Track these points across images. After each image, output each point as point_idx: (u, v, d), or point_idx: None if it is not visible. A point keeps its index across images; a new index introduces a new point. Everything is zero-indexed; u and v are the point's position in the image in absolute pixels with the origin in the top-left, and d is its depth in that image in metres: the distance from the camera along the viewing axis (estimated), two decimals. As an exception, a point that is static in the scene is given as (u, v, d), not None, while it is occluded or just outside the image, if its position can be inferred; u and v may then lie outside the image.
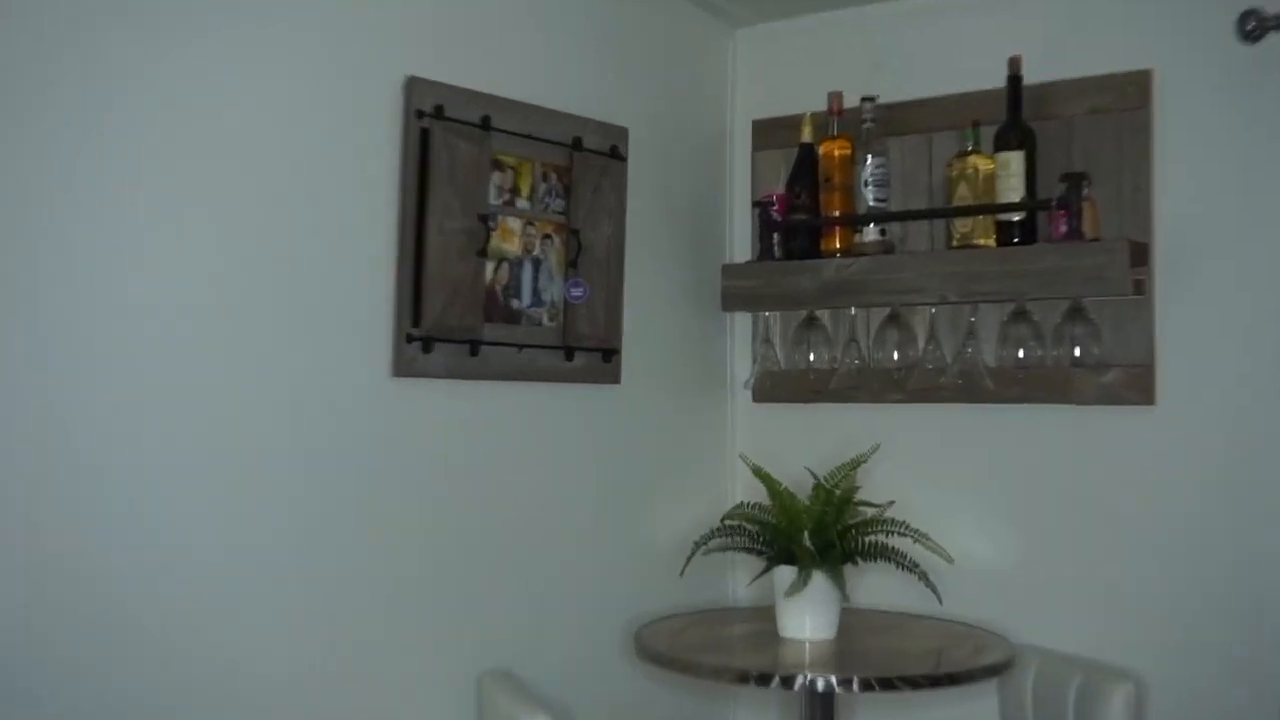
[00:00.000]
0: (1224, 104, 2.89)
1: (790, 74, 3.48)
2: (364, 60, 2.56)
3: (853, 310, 3.26)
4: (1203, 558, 2.89)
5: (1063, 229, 2.88)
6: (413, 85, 2.64)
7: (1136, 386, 2.95)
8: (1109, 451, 3.01)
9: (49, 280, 2.05)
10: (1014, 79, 3.01)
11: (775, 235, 3.29)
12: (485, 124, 2.77)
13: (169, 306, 2.20)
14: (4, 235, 1.99)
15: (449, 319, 2.69)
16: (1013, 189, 2.97)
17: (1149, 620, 2.94)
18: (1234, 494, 2.87)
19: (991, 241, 3.01)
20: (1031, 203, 2.96)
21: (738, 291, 3.30)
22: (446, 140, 2.68)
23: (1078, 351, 2.96)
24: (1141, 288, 2.92)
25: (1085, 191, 2.89)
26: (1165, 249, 2.95)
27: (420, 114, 2.64)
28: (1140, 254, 2.88)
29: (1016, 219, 2.98)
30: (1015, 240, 2.98)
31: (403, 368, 2.62)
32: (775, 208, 3.29)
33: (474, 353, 2.75)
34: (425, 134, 2.65)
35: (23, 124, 2.01)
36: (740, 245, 3.52)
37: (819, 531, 2.78)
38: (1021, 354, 3.02)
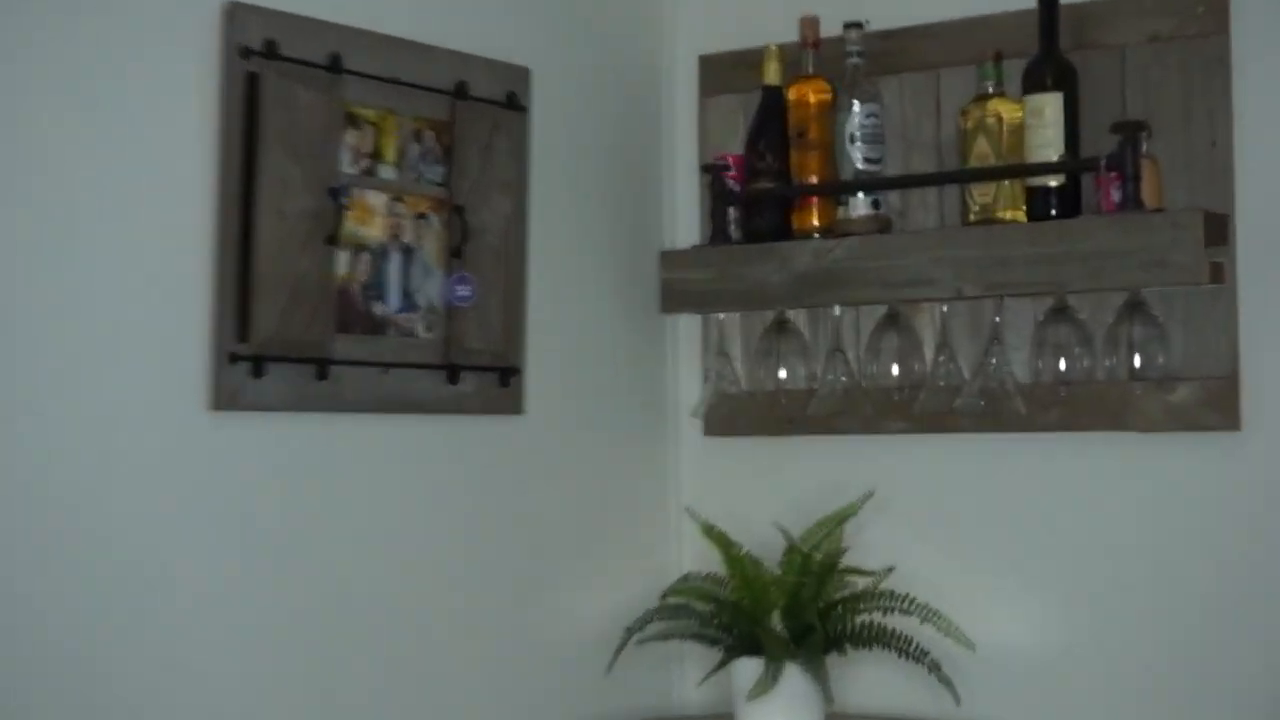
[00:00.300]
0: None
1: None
2: None
3: (837, 310, 3.27)
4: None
5: (1115, 197, 2.90)
6: (234, 13, 2.66)
7: (1217, 406, 2.97)
8: (1182, 496, 3.02)
9: None
10: (1048, -5, 3.01)
11: (732, 210, 3.31)
12: (335, 65, 2.80)
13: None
14: None
15: (289, 331, 2.71)
16: (1048, 144, 2.99)
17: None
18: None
19: (1021, 215, 3.04)
20: (1074, 163, 2.98)
21: (682, 287, 3.32)
22: (282, 88, 2.71)
23: (1138, 361, 2.98)
24: (1221, 274, 2.92)
25: (1144, 147, 2.91)
26: (1252, 223, 2.96)
27: (246, 52, 2.67)
28: (1219, 230, 2.90)
29: (1054, 184, 3.01)
30: (1053, 213, 3.01)
31: (224, 398, 2.63)
32: (731, 173, 3.31)
33: (322, 375, 2.77)
34: (253, 80, 2.68)
35: None
36: (685, 225, 3.55)
37: (794, 610, 2.81)
38: (1064, 365, 3.03)
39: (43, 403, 2.43)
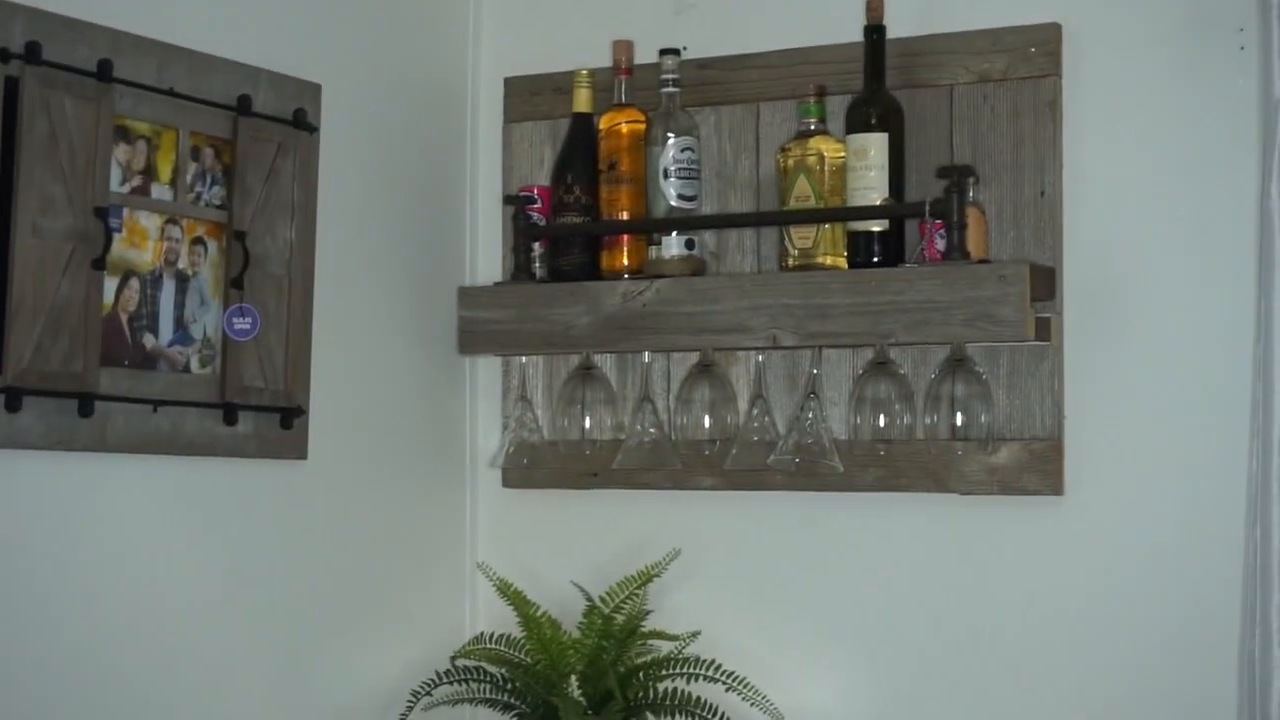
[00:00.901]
0: (1163, 71, 2.96)
1: (559, 13, 3.49)
2: None
3: (646, 356, 3.28)
4: (1136, 709, 2.93)
5: (939, 246, 2.92)
6: None
7: (1039, 469, 3.00)
8: (1002, 559, 3.05)
9: None
10: (874, 30, 3.05)
11: (536, 246, 3.28)
12: (105, 72, 2.72)
13: None
14: None
15: (47, 362, 2.63)
16: (871, 187, 3.00)
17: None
18: (1171, 619, 2.91)
19: (842, 261, 3.05)
20: (898, 208, 2.99)
21: (482, 327, 3.28)
22: (45, 96, 2.63)
23: (960, 419, 3.00)
24: (1047, 331, 2.97)
25: (971, 194, 2.94)
26: (1079, 279, 3.01)
27: (5, 55, 2.59)
28: (1046, 284, 2.93)
29: (877, 229, 3.02)
30: (875, 260, 3.02)
31: None
32: (536, 206, 3.28)
33: (86, 411, 2.68)
34: (12, 85, 2.60)
35: None
36: (486, 260, 3.51)
37: (592, 676, 2.80)
38: (883, 421, 3.05)
39: None
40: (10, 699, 2.62)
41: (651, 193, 3.20)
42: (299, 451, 3.06)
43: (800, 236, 3.07)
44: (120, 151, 2.76)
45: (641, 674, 2.82)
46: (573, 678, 2.77)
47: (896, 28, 3.06)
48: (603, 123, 3.25)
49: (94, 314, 2.69)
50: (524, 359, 3.40)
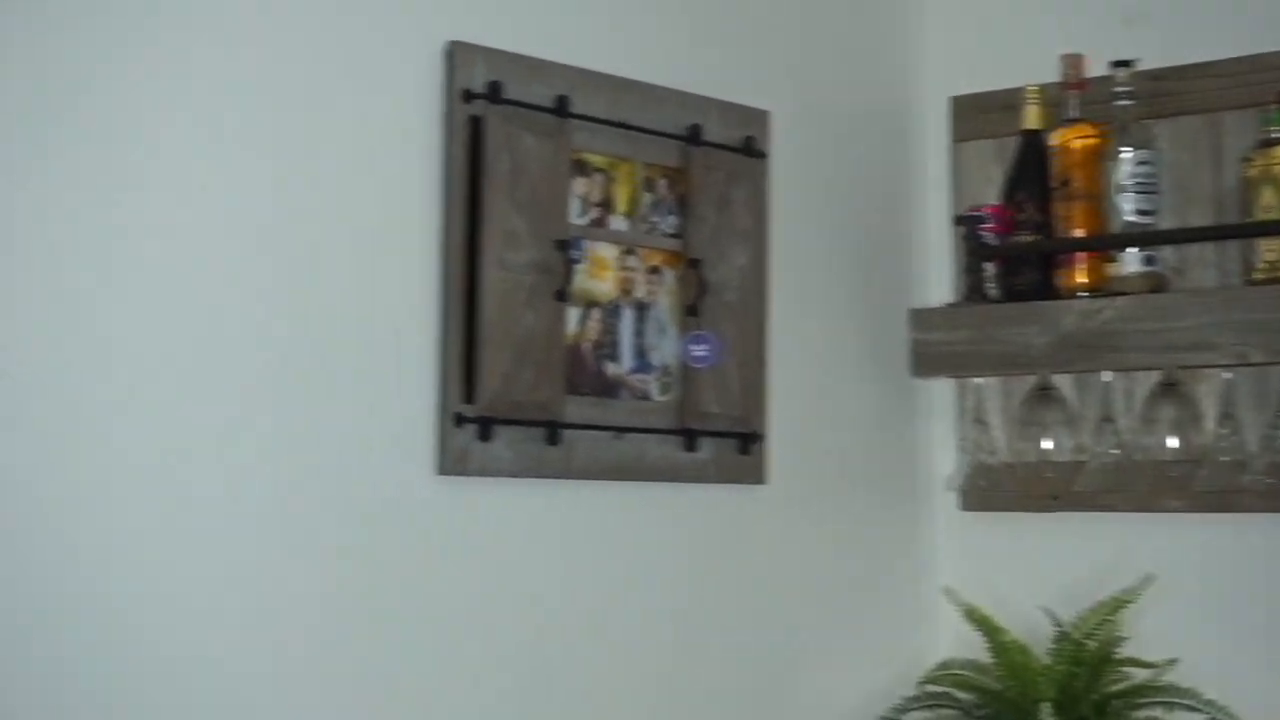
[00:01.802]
0: None
1: (1005, 30, 3.47)
2: (385, 22, 2.60)
3: (1106, 376, 3.22)
4: None
5: None
6: (457, 54, 2.67)
7: None
8: None
9: None
10: (1344, 28, 2.98)
11: (989, 266, 3.25)
12: (562, 108, 2.78)
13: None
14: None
15: (516, 392, 2.70)
16: None
17: None
18: None
19: None
20: None
21: (935, 349, 3.26)
22: (507, 133, 2.70)
23: None
24: None
25: None
26: None
27: (469, 95, 2.67)
28: None
29: None
30: None
31: (451, 462, 2.63)
32: (988, 226, 3.25)
33: (553, 439, 2.75)
34: (476, 124, 2.68)
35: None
36: (937, 281, 3.49)
37: (1066, 704, 2.75)
38: None
39: (271, 465, 2.47)
40: (484, 704, 2.72)
41: (1107, 208, 3.14)
42: (757, 476, 3.08)
43: (1268, 249, 2.98)
44: (579, 184, 2.82)
45: (1116, 701, 2.77)
46: (1044, 705, 2.72)
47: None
48: (1054, 139, 3.21)
49: (557, 344, 2.76)
50: (979, 380, 3.37)
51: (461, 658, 2.67)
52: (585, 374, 2.83)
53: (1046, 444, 3.24)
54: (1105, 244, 3.13)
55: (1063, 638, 2.78)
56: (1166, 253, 3.16)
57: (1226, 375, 3.08)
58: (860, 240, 3.41)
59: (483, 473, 2.67)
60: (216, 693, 2.37)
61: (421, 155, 2.64)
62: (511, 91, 2.71)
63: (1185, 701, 2.77)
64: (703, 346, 2.96)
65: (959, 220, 3.33)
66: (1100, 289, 3.14)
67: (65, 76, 2.24)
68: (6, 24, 2.19)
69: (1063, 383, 3.28)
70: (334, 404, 2.51)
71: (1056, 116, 3.23)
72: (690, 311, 2.97)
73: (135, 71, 2.32)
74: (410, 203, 2.62)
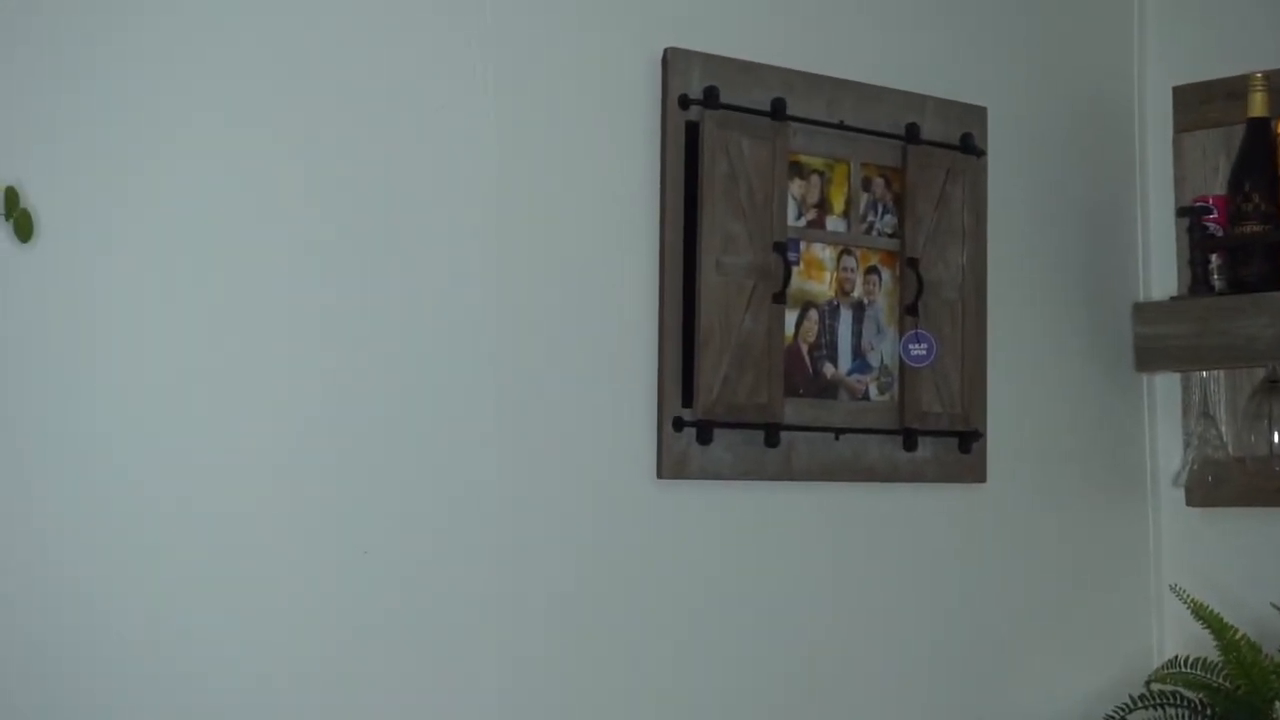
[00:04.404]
0: None
1: (1227, 17, 3.42)
2: (602, 31, 2.63)
3: None
4: None
5: None
6: (673, 60, 2.69)
7: None
8: None
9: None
10: None
11: (1214, 258, 3.22)
12: (778, 111, 2.79)
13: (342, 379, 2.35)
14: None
15: (734, 395, 2.71)
16: None
17: None
18: None
19: None
20: None
21: (1159, 343, 3.25)
22: (723, 137, 2.71)
23: None
24: None
25: None
26: None
27: (685, 101, 2.69)
28: None
29: None
30: None
31: (671, 466, 2.65)
32: (1212, 216, 3.22)
33: (772, 442, 2.76)
34: (693, 129, 2.69)
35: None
36: (1160, 274, 3.47)
37: None
38: None
39: (496, 475, 2.51)
40: (717, 699, 2.74)
41: (1337, 197, 3.10)
42: (978, 475, 3.07)
43: None
44: (795, 186, 2.83)
45: (1349, 700, 2.73)
46: (1277, 704, 2.68)
47: None
48: (1280, 126, 3.18)
49: (776, 346, 2.77)
50: (1205, 374, 3.33)
51: (686, 659, 2.69)
52: (803, 375, 2.83)
53: (1276, 438, 3.19)
54: (1336, 232, 3.09)
55: (1296, 635, 2.76)
56: (1404, 243, 3.11)
57: None
58: (1081, 234, 3.38)
59: (702, 476, 2.69)
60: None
61: (639, 162, 2.66)
62: (727, 96, 2.72)
63: None
64: (921, 345, 2.96)
65: (1182, 212, 3.31)
66: (1330, 280, 3.10)
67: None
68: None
69: (1292, 375, 3.23)
70: (555, 411, 2.55)
71: (1281, 104, 3.19)
72: (909, 311, 2.96)
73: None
74: (628, 209, 2.65)
